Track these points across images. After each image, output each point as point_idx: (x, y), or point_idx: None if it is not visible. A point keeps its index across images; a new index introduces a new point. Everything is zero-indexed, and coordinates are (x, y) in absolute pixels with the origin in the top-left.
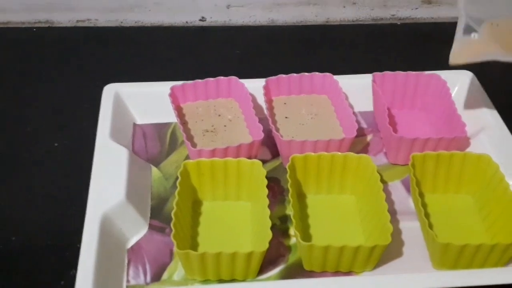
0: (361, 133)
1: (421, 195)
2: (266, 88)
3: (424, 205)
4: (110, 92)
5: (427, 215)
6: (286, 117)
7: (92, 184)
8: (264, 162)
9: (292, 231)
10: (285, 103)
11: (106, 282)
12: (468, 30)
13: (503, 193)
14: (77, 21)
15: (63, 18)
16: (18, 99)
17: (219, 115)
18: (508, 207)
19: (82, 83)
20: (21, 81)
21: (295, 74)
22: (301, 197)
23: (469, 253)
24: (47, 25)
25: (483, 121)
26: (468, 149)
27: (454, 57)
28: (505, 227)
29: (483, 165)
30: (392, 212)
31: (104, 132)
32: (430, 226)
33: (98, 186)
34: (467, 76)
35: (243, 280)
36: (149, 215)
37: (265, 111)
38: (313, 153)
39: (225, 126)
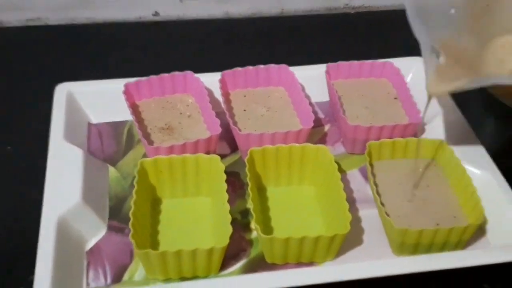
0: (318, 123)
1: (377, 183)
2: (222, 81)
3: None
4: (63, 91)
5: (383, 202)
6: (244, 110)
7: (47, 187)
8: (223, 156)
9: (253, 224)
10: (244, 96)
11: (65, 286)
12: (434, 52)
13: (460, 177)
14: (27, 20)
15: (12, 17)
16: None
17: (176, 111)
18: (467, 190)
19: (34, 83)
20: None
21: (251, 67)
22: (261, 190)
23: (427, 238)
24: None
25: (437, 107)
26: (423, 135)
27: (432, 87)
28: (462, 210)
29: (437, 150)
30: (351, 200)
31: (58, 133)
32: (387, 213)
33: (53, 188)
34: (419, 62)
35: (206, 277)
36: (107, 216)
37: (222, 105)
38: (271, 146)
39: (182, 121)
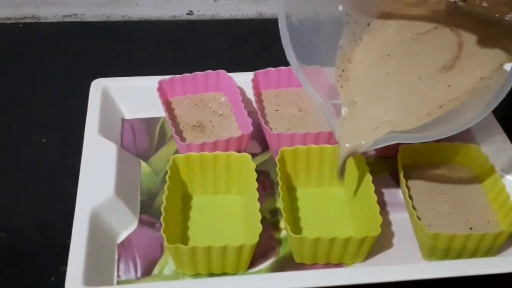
0: None
1: (409, 186)
2: (255, 81)
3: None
4: (98, 87)
5: (415, 206)
6: (276, 110)
7: (81, 180)
8: (253, 155)
9: (282, 224)
10: (276, 96)
11: (96, 278)
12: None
13: (494, 183)
14: (64, 16)
15: (50, 13)
16: (5, 96)
17: (208, 109)
18: (500, 197)
19: (70, 78)
20: (8, 77)
21: (283, 67)
22: (291, 190)
23: (459, 243)
24: (33, 21)
25: None
26: (456, 140)
27: (344, 150)
28: (495, 217)
29: (471, 155)
30: (382, 203)
31: (93, 128)
32: (419, 217)
33: (87, 181)
34: None
35: (234, 274)
36: (139, 210)
37: (254, 105)
38: (302, 146)
39: (214, 120)
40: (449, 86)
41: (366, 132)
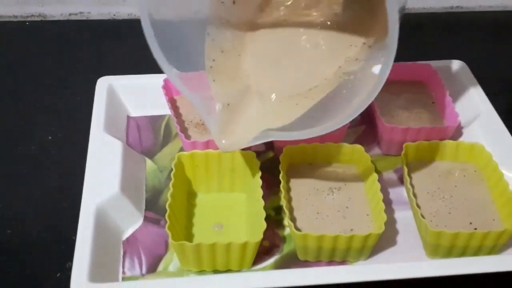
0: (354, 123)
1: (413, 184)
2: None
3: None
4: (104, 85)
5: (419, 204)
6: None
7: (86, 177)
8: (258, 153)
9: (286, 221)
10: None
11: (102, 274)
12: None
13: (498, 182)
14: (70, 14)
15: (56, 11)
16: (11, 93)
17: None
18: (504, 195)
19: (76, 76)
20: (15, 76)
21: None
22: None
23: (462, 241)
24: (39, 19)
25: (475, 110)
26: (460, 139)
27: (221, 147)
28: (499, 215)
29: (476, 154)
30: (386, 201)
31: (98, 125)
32: (423, 215)
33: (93, 179)
34: (458, 65)
35: (238, 270)
36: (144, 207)
37: None
38: (307, 144)
39: None
40: (310, 72)
41: (242, 129)
